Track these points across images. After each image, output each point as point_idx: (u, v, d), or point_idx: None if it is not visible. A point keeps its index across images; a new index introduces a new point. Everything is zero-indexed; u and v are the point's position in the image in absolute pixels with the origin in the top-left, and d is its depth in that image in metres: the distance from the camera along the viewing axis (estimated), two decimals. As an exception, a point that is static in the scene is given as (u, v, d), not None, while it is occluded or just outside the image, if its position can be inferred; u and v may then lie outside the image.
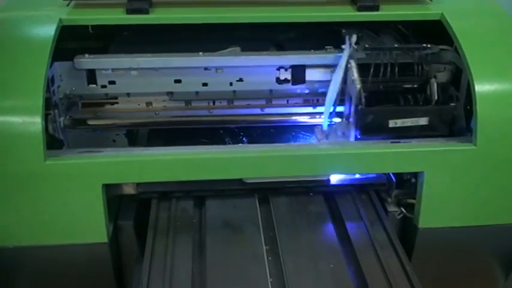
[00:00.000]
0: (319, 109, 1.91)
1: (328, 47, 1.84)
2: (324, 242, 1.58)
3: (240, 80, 1.86)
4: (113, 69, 1.80)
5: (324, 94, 1.82)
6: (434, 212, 1.70)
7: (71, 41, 1.80)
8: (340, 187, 1.76)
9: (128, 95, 1.86)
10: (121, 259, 1.74)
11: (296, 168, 1.65)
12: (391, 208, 1.78)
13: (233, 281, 1.45)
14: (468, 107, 1.77)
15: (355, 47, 1.77)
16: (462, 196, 1.68)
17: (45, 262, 1.65)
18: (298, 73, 1.86)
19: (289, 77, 1.87)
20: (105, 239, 1.62)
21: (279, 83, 1.87)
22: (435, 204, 1.69)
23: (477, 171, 1.65)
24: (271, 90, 1.89)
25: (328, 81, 1.82)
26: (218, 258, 1.51)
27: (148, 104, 1.88)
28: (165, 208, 1.69)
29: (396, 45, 1.82)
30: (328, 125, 1.79)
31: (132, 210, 1.74)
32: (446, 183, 1.66)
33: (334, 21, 1.83)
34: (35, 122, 1.49)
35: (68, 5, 1.78)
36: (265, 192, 1.74)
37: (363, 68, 1.73)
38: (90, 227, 1.61)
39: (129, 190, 1.70)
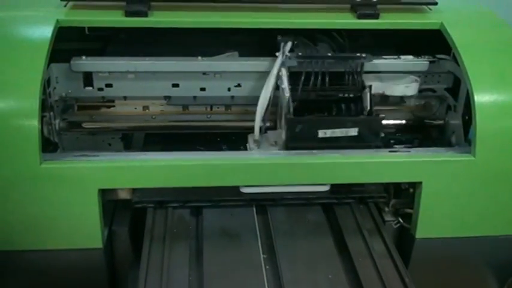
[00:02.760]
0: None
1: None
2: (322, 252, 1.57)
3: (238, 85, 1.84)
4: (110, 72, 1.78)
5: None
6: (431, 223, 1.70)
7: (67, 42, 1.77)
8: (339, 198, 1.74)
9: (125, 98, 1.84)
10: (115, 265, 1.72)
11: (294, 177, 1.64)
12: (388, 218, 1.78)
13: (231, 290, 1.43)
14: (466, 117, 1.77)
15: (288, 54, 1.74)
16: (460, 207, 1.68)
17: (39, 267, 1.62)
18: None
19: (287, 83, 1.85)
20: (100, 245, 1.61)
21: (277, 89, 1.86)
22: (432, 214, 1.69)
23: (475, 182, 1.65)
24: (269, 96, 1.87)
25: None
26: (215, 266, 1.49)
27: (145, 107, 1.87)
28: (162, 215, 1.67)
29: (329, 54, 1.79)
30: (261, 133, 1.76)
31: (127, 215, 1.72)
32: (444, 193, 1.66)
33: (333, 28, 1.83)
34: (31, 124, 1.46)
35: (65, 5, 1.76)
36: (263, 201, 1.72)
37: (295, 76, 1.71)
38: (85, 232, 1.59)
39: (125, 195, 1.68)
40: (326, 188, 1.71)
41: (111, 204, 1.72)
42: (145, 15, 1.71)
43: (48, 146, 1.69)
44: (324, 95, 1.74)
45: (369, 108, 1.72)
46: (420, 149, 1.69)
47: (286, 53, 1.74)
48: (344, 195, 1.73)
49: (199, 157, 1.61)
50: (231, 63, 1.82)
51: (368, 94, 1.72)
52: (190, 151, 1.65)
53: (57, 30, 1.64)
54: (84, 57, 1.76)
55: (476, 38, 1.76)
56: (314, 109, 1.73)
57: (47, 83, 1.67)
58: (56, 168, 1.51)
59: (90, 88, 1.80)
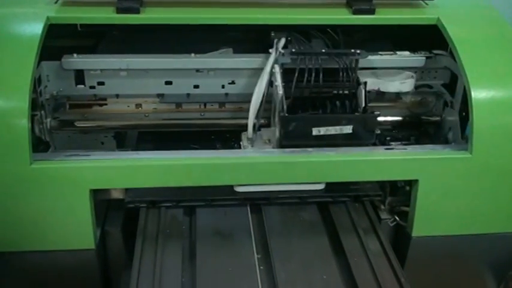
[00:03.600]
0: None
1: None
2: (317, 251, 1.55)
3: (232, 82, 1.82)
4: (101, 70, 1.76)
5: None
6: (427, 221, 1.68)
7: (58, 39, 1.74)
8: (334, 196, 1.72)
9: (117, 96, 1.82)
10: (108, 265, 1.70)
11: (288, 175, 1.62)
12: (384, 216, 1.76)
13: (224, 291, 1.41)
14: (463, 114, 1.75)
15: (282, 51, 1.72)
16: (456, 204, 1.66)
17: (30, 269, 1.61)
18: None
19: (282, 80, 1.83)
20: (93, 246, 1.59)
21: (271, 86, 1.83)
22: (429, 212, 1.67)
23: (472, 179, 1.63)
24: (263, 94, 1.85)
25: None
26: (208, 267, 1.48)
27: (138, 105, 1.85)
28: (155, 215, 1.65)
29: (323, 50, 1.76)
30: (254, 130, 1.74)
31: (120, 215, 1.70)
32: (441, 191, 1.64)
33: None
34: (21, 124, 1.44)
35: (55, 2, 1.73)
36: (258, 200, 1.70)
37: (289, 73, 1.69)
38: (77, 233, 1.57)
39: (117, 195, 1.66)
40: (321, 187, 1.69)
41: (104, 203, 1.70)
42: (137, 11, 1.68)
43: (40, 145, 1.68)
44: (318, 92, 1.71)
45: (363, 105, 1.69)
46: (416, 146, 1.67)
47: (280, 49, 1.72)
48: (339, 194, 1.71)
49: (193, 156, 1.59)
50: (224, 60, 1.79)
51: (363, 91, 1.70)
52: (184, 150, 1.63)
53: (48, 27, 1.61)
54: (75, 55, 1.73)
55: (474, 33, 1.74)
56: (308, 106, 1.70)
57: (37, 82, 1.65)
58: (46, 168, 1.49)
59: (82, 86, 1.77)
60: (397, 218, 1.75)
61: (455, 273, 1.80)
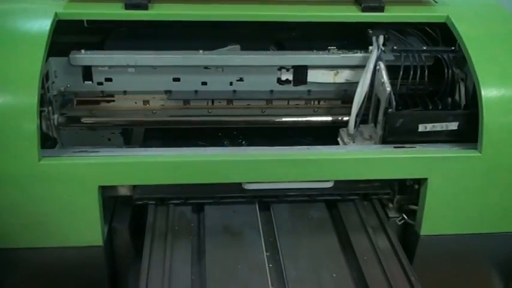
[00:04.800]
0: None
1: (332, 47, 1.80)
2: (326, 249, 1.55)
3: (240, 79, 1.81)
4: (109, 66, 1.75)
5: (325, 94, 1.83)
6: (436, 219, 1.68)
7: (65, 35, 1.73)
8: (343, 194, 1.72)
9: (125, 92, 1.81)
10: (115, 262, 1.70)
11: (297, 173, 1.61)
12: (392, 214, 1.76)
13: (234, 289, 1.41)
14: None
15: (383, 48, 1.73)
16: (465, 203, 1.66)
17: (38, 265, 1.60)
18: (299, 74, 1.82)
19: (290, 77, 1.83)
20: (101, 242, 1.59)
21: (280, 84, 1.83)
22: (438, 211, 1.66)
23: (481, 178, 1.63)
24: (271, 91, 1.84)
25: (329, 84, 1.83)
26: (218, 264, 1.47)
27: (146, 102, 1.84)
28: (163, 212, 1.65)
29: (425, 47, 1.78)
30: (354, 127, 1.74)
31: (127, 212, 1.70)
32: (450, 190, 1.64)
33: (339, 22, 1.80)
34: (30, 120, 1.44)
35: (63, -3, 1.73)
36: (266, 197, 1.70)
37: (390, 70, 1.69)
38: (85, 229, 1.57)
39: (125, 191, 1.66)
40: (329, 185, 1.68)
41: (111, 200, 1.69)
42: (145, 7, 1.67)
43: (47, 141, 1.67)
44: (420, 89, 1.73)
45: (464, 102, 1.71)
46: (425, 145, 1.66)
47: (381, 46, 1.73)
48: (348, 192, 1.71)
49: (201, 153, 1.58)
50: (233, 57, 1.78)
51: (463, 88, 1.71)
52: (192, 147, 1.62)
53: (56, 23, 1.60)
54: (83, 51, 1.72)
55: (483, 31, 1.73)
56: (408, 103, 1.71)
57: (45, 77, 1.64)
58: (55, 165, 1.49)
59: (90, 82, 1.77)
60: (405, 216, 1.74)
61: (464, 272, 1.80)
